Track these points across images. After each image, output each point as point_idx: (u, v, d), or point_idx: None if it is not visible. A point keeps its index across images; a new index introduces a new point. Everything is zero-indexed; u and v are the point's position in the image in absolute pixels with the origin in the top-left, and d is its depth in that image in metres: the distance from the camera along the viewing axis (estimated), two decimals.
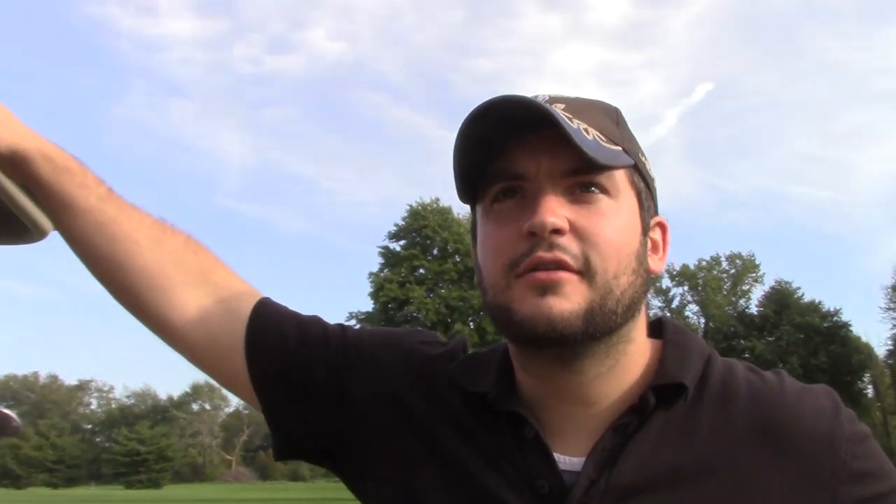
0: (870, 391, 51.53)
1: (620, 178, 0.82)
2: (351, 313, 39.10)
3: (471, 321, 37.49)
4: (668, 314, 51.60)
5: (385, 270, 38.59)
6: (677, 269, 54.33)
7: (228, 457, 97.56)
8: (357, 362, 0.94)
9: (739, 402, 0.82)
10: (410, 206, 39.99)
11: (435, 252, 38.85)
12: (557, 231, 0.77)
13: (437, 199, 40.55)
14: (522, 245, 0.78)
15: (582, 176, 0.79)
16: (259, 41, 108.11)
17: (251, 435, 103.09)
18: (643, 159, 0.87)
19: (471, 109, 0.79)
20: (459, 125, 0.80)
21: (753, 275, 53.25)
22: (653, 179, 0.89)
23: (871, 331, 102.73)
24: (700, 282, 53.44)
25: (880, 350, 51.73)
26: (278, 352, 0.94)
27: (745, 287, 53.31)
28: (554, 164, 0.79)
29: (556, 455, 0.81)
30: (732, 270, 53.84)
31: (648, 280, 0.85)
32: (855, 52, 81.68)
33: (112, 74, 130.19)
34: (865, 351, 49.25)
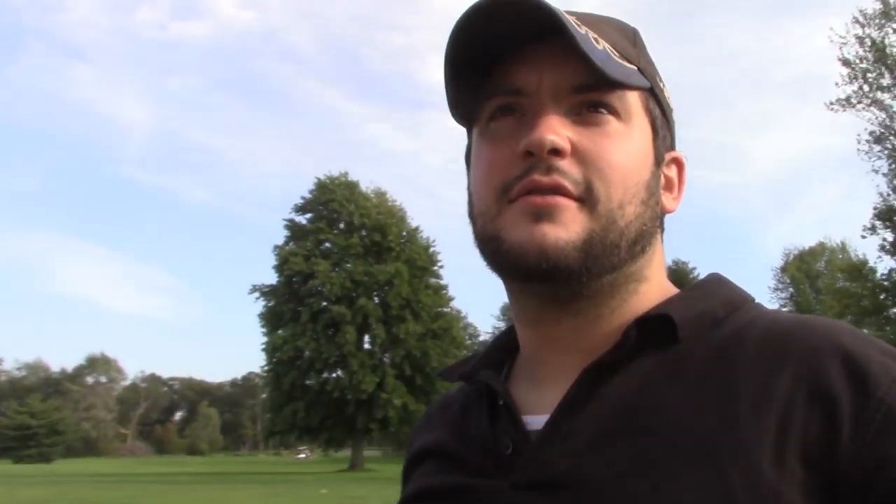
0: None
1: (634, 100, 0.73)
2: (255, 286, 38.59)
3: (376, 296, 37.47)
4: None
5: (290, 244, 38.18)
6: None
7: (124, 431, 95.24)
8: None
9: (750, 340, 0.67)
10: (318, 178, 39.59)
11: (342, 226, 38.61)
12: (557, 152, 0.68)
13: (346, 173, 40.26)
14: (518, 167, 0.69)
15: (590, 93, 0.70)
16: (164, 5, 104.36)
17: (148, 409, 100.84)
18: (661, 85, 0.78)
19: (466, 8, 0.69)
20: (451, 28, 0.70)
21: None
22: (671, 110, 0.80)
23: None
24: None
25: None
26: None
27: None
28: (559, 78, 0.70)
29: (528, 417, 0.71)
30: None
31: (660, 217, 0.77)
32: (755, 42, 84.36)
33: (4, 34, 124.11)
34: None
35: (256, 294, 38.45)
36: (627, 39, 0.76)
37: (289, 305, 36.85)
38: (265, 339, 37.55)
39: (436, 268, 40.15)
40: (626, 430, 0.65)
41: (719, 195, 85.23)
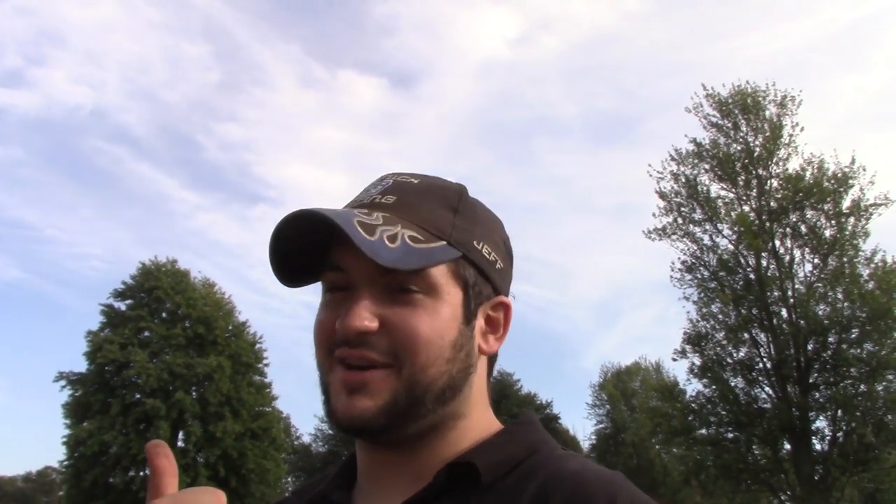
0: None
1: (440, 273, 0.87)
2: (61, 373, 36.13)
3: (194, 390, 35.93)
4: None
5: (106, 330, 36.21)
6: None
7: None
8: None
9: (534, 485, 0.82)
10: (143, 264, 38.10)
11: (164, 315, 37.11)
12: (364, 333, 0.84)
13: (175, 261, 38.97)
14: (338, 335, 0.86)
15: (395, 277, 0.85)
16: None
17: None
18: (480, 245, 0.92)
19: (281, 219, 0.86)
20: (272, 231, 0.87)
21: None
22: (493, 262, 0.94)
23: (578, 425, 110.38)
24: None
25: (585, 444, 55.54)
26: None
27: None
28: (370, 265, 0.84)
29: None
30: None
31: (473, 362, 0.91)
32: (580, 167, 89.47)
33: None
34: (572, 444, 52.69)
35: (62, 382, 36.03)
36: (447, 208, 0.91)
37: (98, 396, 34.70)
38: (68, 431, 35.02)
39: (261, 365, 39.13)
40: None
41: (545, 310, 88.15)
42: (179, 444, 35.72)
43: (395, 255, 0.83)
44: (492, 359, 0.97)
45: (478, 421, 0.92)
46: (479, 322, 0.93)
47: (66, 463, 35.71)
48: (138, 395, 34.95)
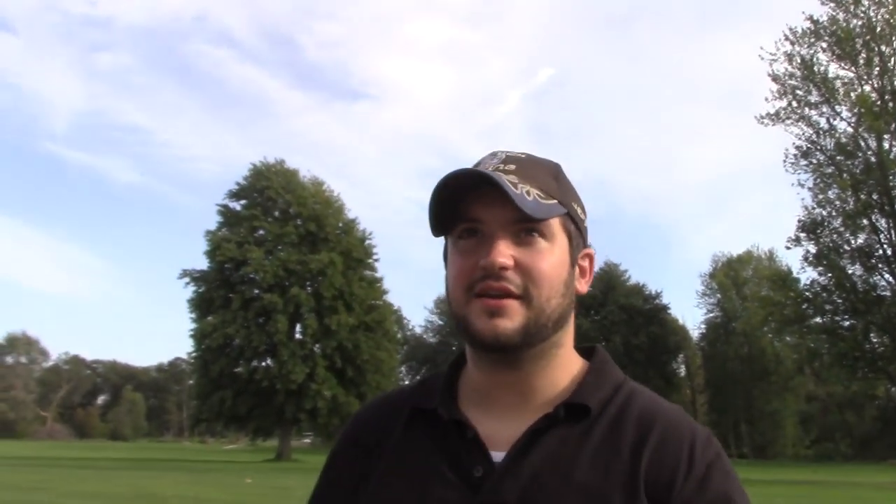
0: (682, 370, 55.09)
1: (555, 224, 1.08)
2: (185, 271, 38.00)
3: (308, 285, 37.24)
4: None
5: (223, 229, 37.67)
6: None
7: (44, 413, 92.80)
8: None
9: (628, 422, 1.05)
10: (254, 165, 39.14)
11: (277, 214, 38.26)
12: (504, 268, 1.02)
13: (283, 161, 39.78)
14: (478, 274, 1.04)
15: (525, 224, 1.05)
16: None
17: (70, 391, 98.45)
18: (575, 206, 1.13)
19: (444, 173, 1.05)
20: (436, 184, 1.06)
21: None
22: (583, 220, 1.15)
23: (687, 314, 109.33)
24: None
25: (694, 333, 55.24)
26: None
27: None
28: (504, 213, 1.04)
29: (491, 452, 1.05)
30: None
31: (573, 299, 1.12)
32: (688, 54, 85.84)
33: None
34: (681, 333, 52.52)
35: (186, 279, 37.89)
36: (551, 176, 1.12)
37: (220, 292, 36.40)
38: (194, 325, 37.02)
39: (371, 260, 40.07)
40: (546, 476, 1.00)
41: (650, 199, 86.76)
42: (297, 336, 37.31)
43: (533, 206, 1.03)
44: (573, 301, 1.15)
45: (570, 351, 1.14)
46: (577, 267, 1.13)
47: (194, 354, 37.80)
48: (257, 291, 36.43)
